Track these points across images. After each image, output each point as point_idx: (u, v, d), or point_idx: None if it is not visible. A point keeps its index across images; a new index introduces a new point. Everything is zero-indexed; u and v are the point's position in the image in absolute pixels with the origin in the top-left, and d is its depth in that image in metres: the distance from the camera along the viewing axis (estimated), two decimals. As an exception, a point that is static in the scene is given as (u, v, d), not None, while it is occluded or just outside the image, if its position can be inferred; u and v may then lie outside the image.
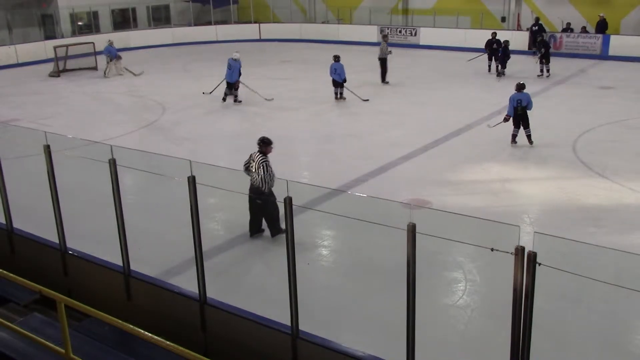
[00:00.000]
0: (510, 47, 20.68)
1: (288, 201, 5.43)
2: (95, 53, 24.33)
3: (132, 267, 6.99)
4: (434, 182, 11.29)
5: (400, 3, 31.10)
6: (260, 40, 31.84)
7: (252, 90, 18.06)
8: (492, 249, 4.36)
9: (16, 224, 8.26)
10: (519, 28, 27.17)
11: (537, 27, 24.38)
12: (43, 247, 7.89)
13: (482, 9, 28.23)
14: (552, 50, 24.11)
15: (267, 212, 8.69)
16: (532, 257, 4.24)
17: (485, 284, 7.83)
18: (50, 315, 6.37)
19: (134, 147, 10.48)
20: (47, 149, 7.09)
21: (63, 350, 5.25)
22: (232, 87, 17.86)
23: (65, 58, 23.97)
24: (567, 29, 25.33)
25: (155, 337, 4.88)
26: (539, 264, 4.25)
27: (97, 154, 7.02)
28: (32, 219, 8.77)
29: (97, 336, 6.02)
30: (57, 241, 7.59)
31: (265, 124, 15.84)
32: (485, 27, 26.27)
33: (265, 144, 8.78)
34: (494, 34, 21.37)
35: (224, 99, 17.97)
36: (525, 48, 24.70)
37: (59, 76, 23.35)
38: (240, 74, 17.79)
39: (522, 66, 21.30)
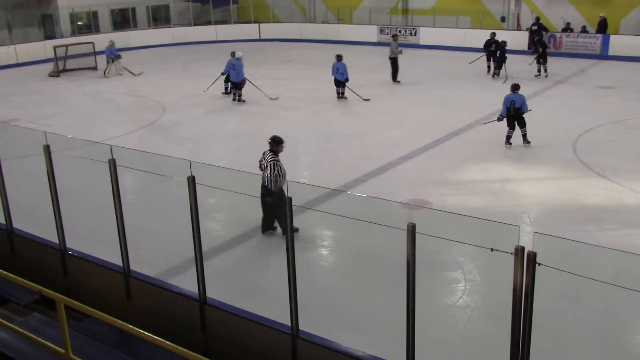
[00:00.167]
0: (510, 47, 20.66)
1: (288, 201, 5.44)
2: (95, 53, 24.34)
3: (132, 267, 6.99)
4: (434, 182, 11.28)
5: (400, 3, 31.10)
6: (260, 40, 31.85)
7: (258, 88, 18.07)
8: (492, 249, 4.36)
9: (16, 224, 8.26)
10: (518, 28, 27.18)
11: (536, 27, 24.37)
12: (43, 247, 7.89)
13: (482, 9, 28.23)
14: (552, 50, 24.21)
15: (278, 210, 8.68)
16: (532, 257, 4.24)
17: (485, 284, 7.83)
18: (50, 316, 6.37)
19: (134, 147, 10.47)
20: (47, 149, 7.09)
21: (63, 350, 5.25)
22: (239, 87, 17.89)
23: (65, 58, 23.97)
24: (567, 28, 25.33)
25: (155, 337, 4.87)
26: (539, 264, 4.25)
27: (97, 154, 7.02)
28: (32, 219, 8.78)
29: (97, 336, 6.02)
30: (56, 241, 7.59)
31: (265, 124, 15.84)
32: (485, 27, 26.26)
33: (276, 143, 8.79)
34: (493, 35, 21.32)
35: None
36: (525, 48, 24.71)
37: (58, 76, 23.35)
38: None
39: (521, 66, 21.29)
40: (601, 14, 24.58)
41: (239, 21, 34.42)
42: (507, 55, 20.31)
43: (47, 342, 5.45)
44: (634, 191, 10.59)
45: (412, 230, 4.67)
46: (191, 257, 6.34)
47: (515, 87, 13.03)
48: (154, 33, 31.58)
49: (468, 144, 13.56)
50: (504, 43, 20.25)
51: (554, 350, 6.29)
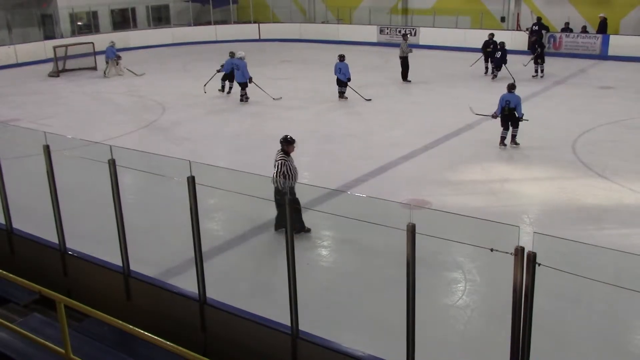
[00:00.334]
0: (510, 47, 20.63)
1: (288, 202, 5.44)
2: (95, 53, 24.33)
3: (132, 267, 6.99)
4: (434, 182, 11.29)
5: (399, 3, 31.10)
6: (259, 40, 31.85)
7: (261, 88, 18.08)
8: (491, 249, 4.36)
9: (16, 224, 8.26)
10: (518, 28, 27.16)
11: (537, 27, 24.37)
12: (43, 248, 7.89)
13: (481, 9, 28.23)
14: (552, 50, 24.23)
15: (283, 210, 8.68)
16: (532, 257, 4.24)
17: (485, 284, 7.83)
18: (50, 316, 6.37)
19: (133, 147, 10.47)
20: (47, 149, 7.09)
21: (63, 351, 5.25)
22: (244, 87, 17.90)
23: (65, 58, 23.97)
24: (567, 29, 25.34)
25: (155, 337, 4.87)
26: (539, 264, 4.25)
27: (96, 154, 7.02)
28: (32, 219, 8.77)
29: (97, 336, 6.02)
30: (56, 241, 7.59)
31: (265, 124, 15.86)
32: (485, 27, 26.25)
33: (287, 143, 8.77)
34: (491, 36, 21.25)
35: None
36: (525, 48, 24.69)
37: (58, 76, 23.35)
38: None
39: (518, 67, 21.26)
40: (601, 14, 24.57)
41: (238, 21, 34.42)
42: (501, 54, 20.21)
43: (47, 342, 5.45)
44: (634, 191, 10.59)
45: (412, 231, 4.67)
46: (191, 257, 6.34)
47: (511, 87, 13.00)
48: (154, 33, 31.57)
49: (468, 144, 13.56)
50: (502, 44, 20.15)
51: (554, 350, 6.29)
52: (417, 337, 5.02)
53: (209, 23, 32.92)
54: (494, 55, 20.66)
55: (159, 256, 8.38)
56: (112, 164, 6.53)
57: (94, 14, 30.82)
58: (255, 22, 32.98)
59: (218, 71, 19.26)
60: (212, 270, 6.81)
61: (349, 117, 16.61)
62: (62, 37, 28.75)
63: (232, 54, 19.12)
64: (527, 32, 25.12)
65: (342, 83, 17.84)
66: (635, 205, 10.16)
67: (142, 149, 10.88)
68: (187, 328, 6.50)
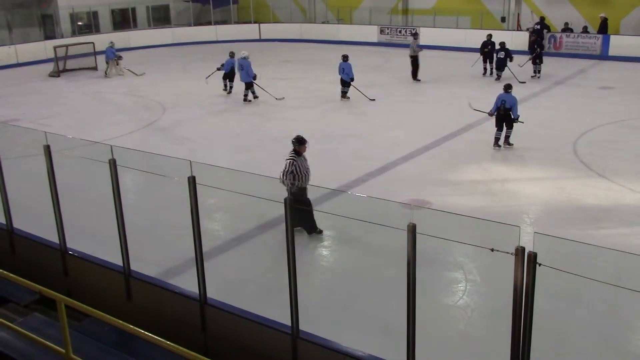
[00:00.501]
0: (510, 48, 20.54)
1: (288, 201, 5.44)
2: (95, 53, 24.34)
3: (132, 267, 6.99)
4: (433, 182, 11.29)
5: (400, 3, 31.11)
6: (260, 40, 31.85)
7: (263, 89, 18.09)
8: (492, 249, 4.36)
9: (16, 224, 8.26)
10: (518, 28, 27.15)
11: (539, 27, 24.37)
12: (43, 247, 7.89)
13: (482, 9, 28.23)
14: (552, 50, 24.23)
15: (298, 210, 8.67)
16: (532, 257, 4.24)
17: (486, 284, 7.83)
18: (51, 316, 6.37)
19: (134, 147, 10.48)
20: (47, 149, 7.09)
21: (63, 350, 5.25)
22: (249, 87, 17.89)
23: (65, 58, 23.99)
24: (566, 29, 25.33)
25: (156, 337, 4.88)
26: (539, 264, 4.25)
27: (97, 154, 7.02)
28: (32, 219, 8.77)
29: (97, 336, 6.02)
30: (57, 241, 7.59)
31: (266, 124, 15.87)
32: (485, 27, 26.26)
33: (298, 143, 8.75)
34: (489, 36, 21.17)
35: (251, 99, 18.04)
36: (526, 48, 24.67)
37: (58, 76, 23.36)
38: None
39: (515, 67, 21.22)
40: (602, 14, 24.57)
41: (239, 21, 34.44)
42: (505, 55, 20.10)
43: (47, 342, 5.45)
44: (634, 191, 10.59)
45: (412, 231, 4.67)
46: (191, 257, 6.34)
47: (507, 87, 12.97)
48: (154, 33, 31.59)
49: (468, 144, 13.56)
50: (503, 44, 20.00)
51: (554, 350, 6.29)
52: (418, 337, 5.02)
53: (209, 23, 32.93)
54: (492, 55, 20.64)
55: (159, 256, 8.39)
56: (112, 163, 6.53)
57: (95, 14, 30.84)
58: (255, 22, 32.99)
59: (218, 69, 19.28)
60: (212, 270, 6.81)
61: (349, 117, 16.61)
62: (62, 37, 28.75)
63: (232, 54, 19.14)
64: (529, 30, 25.09)
65: (346, 83, 17.89)
66: (635, 205, 10.16)
67: (143, 148, 10.88)
68: (188, 328, 6.50)
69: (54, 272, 7.70)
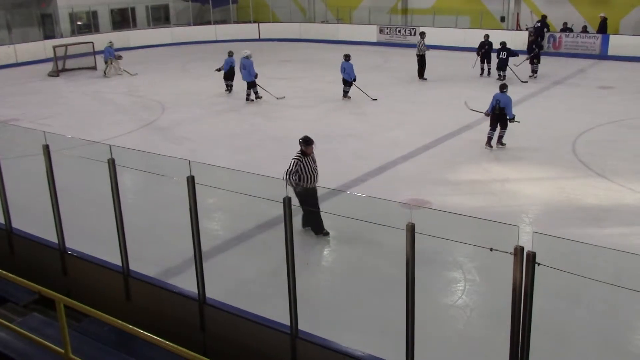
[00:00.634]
0: (510, 47, 20.51)
1: (287, 201, 5.44)
2: (95, 53, 24.33)
3: (132, 267, 6.98)
4: (433, 182, 11.29)
5: (399, 3, 31.10)
6: (259, 40, 31.85)
7: (264, 89, 18.09)
8: (491, 249, 4.36)
9: (15, 224, 8.25)
10: (518, 28, 27.15)
11: (540, 25, 24.36)
12: (42, 247, 7.88)
13: (481, 9, 28.23)
14: (552, 50, 24.22)
15: (305, 210, 8.69)
16: (532, 257, 4.24)
17: (485, 284, 7.83)
18: (50, 315, 6.36)
19: (133, 146, 10.47)
20: (47, 149, 7.08)
21: (62, 351, 5.25)
22: (251, 86, 17.89)
23: (65, 58, 23.99)
24: (565, 29, 25.32)
25: (155, 337, 4.87)
26: (538, 264, 4.25)
27: (96, 154, 7.01)
28: (31, 218, 8.77)
29: (97, 336, 6.02)
30: (56, 241, 7.58)
31: (265, 124, 15.86)
32: (485, 27, 26.25)
33: (305, 144, 8.73)
34: (486, 36, 21.11)
35: (253, 99, 18.00)
36: (524, 47, 24.63)
37: (58, 76, 23.35)
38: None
39: (522, 66, 21.24)
40: (602, 14, 24.57)
41: (238, 21, 34.42)
42: (507, 55, 20.01)
43: (46, 342, 5.44)
44: (634, 191, 10.59)
45: (411, 230, 4.67)
46: (191, 257, 6.33)
47: (502, 87, 12.96)
48: (154, 33, 31.57)
49: (468, 144, 13.55)
50: (504, 43, 19.90)
51: (554, 350, 6.29)
52: (417, 336, 5.01)
53: (208, 23, 32.92)
54: (490, 56, 20.61)
55: (158, 256, 8.38)
56: (111, 163, 6.53)
57: (94, 14, 30.83)
58: (255, 22, 32.99)
59: (218, 70, 19.28)
60: (211, 270, 6.81)
61: (349, 116, 16.60)
62: (61, 36, 28.74)
63: (230, 53, 19.15)
64: (529, 30, 25.06)
65: (347, 83, 17.91)
66: (635, 205, 10.16)
67: (142, 148, 10.87)
68: (187, 328, 6.49)
69: (53, 272, 7.69)
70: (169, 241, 8.92)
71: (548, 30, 25.09)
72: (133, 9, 32.67)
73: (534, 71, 20.49)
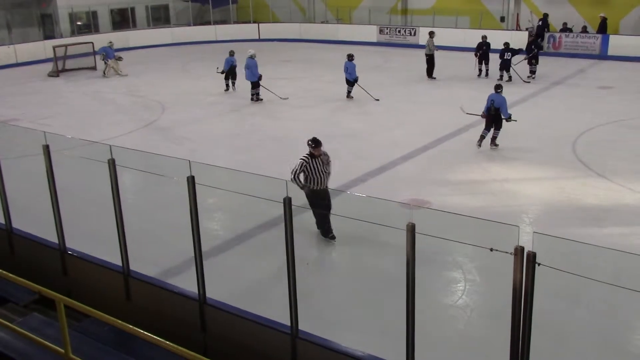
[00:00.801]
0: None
1: (287, 201, 5.44)
2: (95, 53, 24.33)
3: (132, 267, 6.98)
4: (433, 182, 11.28)
5: (399, 3, 31.10)
6: (259, 40, 31.84)
7: (268, 89, 18.09)
8: (491, 249, 4.36)
9: (15, 224, 8.25)
10: (518, 28, 27.14)
11: (541, 23, 24.34)
12: (42, 247, 7.89)
13: (481, 9, 28.22)
14: (551, 50, 24.22)
15: (314, 211, 8.69)
16: (532, 257, 4.24)
17: (485, 284, 7.83)
18: (50, 316, 6.37)
19: (133, 146, 10.46)
20: (47, 149, 7.08)
21: (63, 350, 5.25)
22: (255, 86, 17.88)
23: (65, 58, 23.98)
24: (565, 29, 25.32)
25: (155, 337, 4.87)
26: (539, 264, 4.25)
27: (96, 154, 7.02)
28: (32, 219, 8.77)
29: (97, 336, 6.02)
30: (56, 241, 7.58)
31: (265, 124, 15.87)
32: (484, 27, 26.24)
33: (313, 145, 8.71)
34: (484, 37, 21.06)
35: (257, 99, 18.00)
36: (524, 48, 24.61)
37: (58, 76, 23.35)
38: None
39: (519, 67, 21.21)
40: (601, 14, 24.57)
41: (238, 21, 34.42)
42: (512, 55, 19.91)
43: (46, 342, 5.45)
44: (634, 191, 10.59)
45: (411, 230, 4.67)
46: (191, 257, 6.34)
47: (496, 88, 12.95)
48: (154, 33, 31.57)
49: (468, 144, 13.54)
50: (507, 44, 19.78)
51: (554, 350, 6.29)
52: (417, 336, 5.02)
53: (208, 23, 32.93)
54: (488, 56, 20.59)
55: (158, 256, 8.38)
56: (111, 163, 6.53)
57: (94, 14, 30.83)
58: (255, 22, 32.99)
59: (219, 71, 19.28)
60: (212, 270, 6.81)
61: (349, 116, 16.61)
62: (61, 37, 28.74)
63: (232, 52, 19.16)
64: (529, 30, 25.04)
65: (350, 82, 17.93)
66: (635, 205, 10.16)
67: (142, 148, 10.87)
68: (187, 328, 6.49)
69: (53, 272, 7.69)
70: (169, 241, 8.91)
71: (548, 30, 25.07)
72: (133, 9, 32.67)
73: (532, 72, 20.44)
